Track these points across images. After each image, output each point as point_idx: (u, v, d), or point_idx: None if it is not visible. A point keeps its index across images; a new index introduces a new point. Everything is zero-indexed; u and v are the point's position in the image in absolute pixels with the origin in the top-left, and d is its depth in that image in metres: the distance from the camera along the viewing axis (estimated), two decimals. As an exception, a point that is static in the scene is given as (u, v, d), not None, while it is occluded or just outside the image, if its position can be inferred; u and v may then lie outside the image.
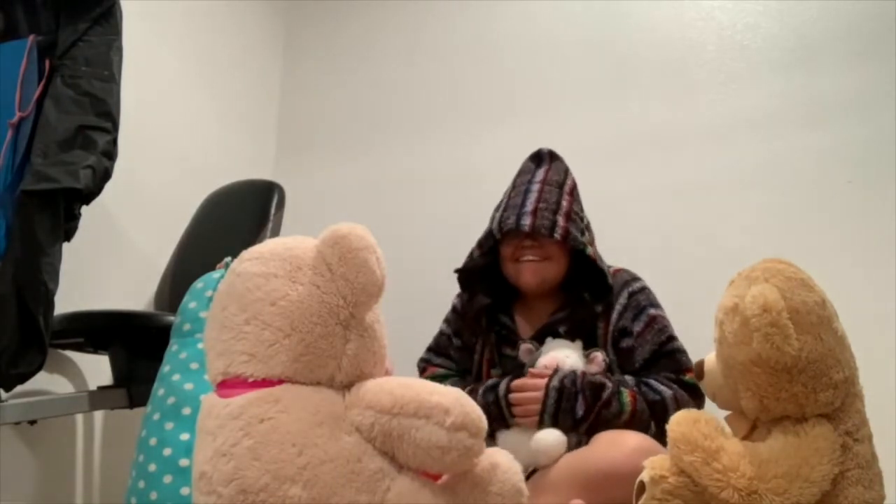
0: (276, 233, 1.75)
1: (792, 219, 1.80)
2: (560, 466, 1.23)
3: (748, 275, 0.99)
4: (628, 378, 1.37)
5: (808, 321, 0.92)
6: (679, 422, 0.95)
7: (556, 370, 1.32)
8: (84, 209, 1.35)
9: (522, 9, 2.30)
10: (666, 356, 1.40)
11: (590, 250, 1.45)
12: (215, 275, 1.38)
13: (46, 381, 1.72)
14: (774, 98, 1.89)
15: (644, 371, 1.40)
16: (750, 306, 0.91)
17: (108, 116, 1.35)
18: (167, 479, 1.19)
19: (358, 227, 0.90)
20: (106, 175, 1.34)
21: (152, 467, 1.20)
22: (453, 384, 1.42)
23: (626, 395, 1.32)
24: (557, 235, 1.41)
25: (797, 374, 0.91)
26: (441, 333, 1.59)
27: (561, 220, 1.43)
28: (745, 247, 1.68)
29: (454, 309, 1.59)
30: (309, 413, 0.83)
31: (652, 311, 1.44)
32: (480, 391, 1.38)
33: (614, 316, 1.44)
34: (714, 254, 1.80)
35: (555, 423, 1.29)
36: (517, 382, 1.35)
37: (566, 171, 1.56)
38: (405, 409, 0.82)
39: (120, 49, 1.42)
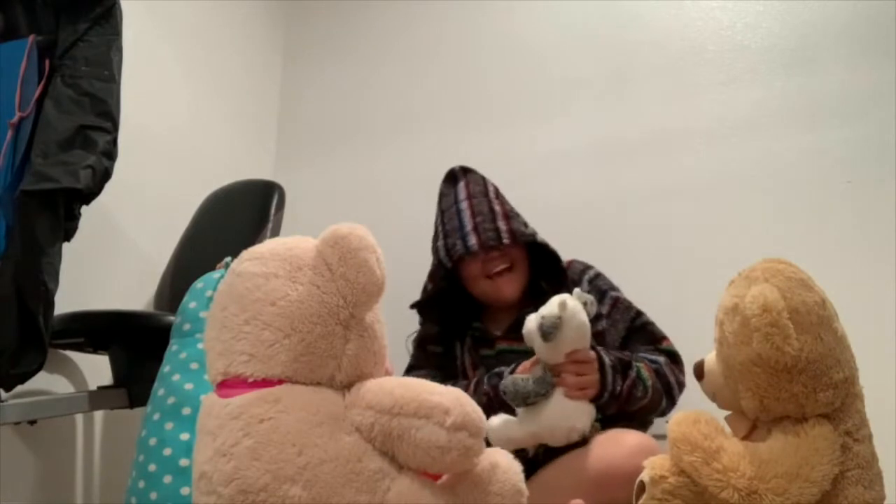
0: (276, 233, 1.75)
1: (792, 219, 1.80)
2: (560, 466, 1.23)
3: (748, 275, 0.99)
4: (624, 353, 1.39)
5: (808, 321, 0.92)
6: (679, 422, 0.94)
7: (597, 355, 1.28)
8: (84, 209, 1.35)
9: (522, 9, 2.30)
10: (639, 331, 1.45)
11: (539, 237, 1.48)
12: (215, 275, 1.38)
13: (46, 381, 1.72)
14: (774, 98, 1.89)
15: (623, 349, 1.42)
16: (750, 306, 0.91)
17: (108, 116, 1.35)
18: (167, 479, 1.19)
19: (358, 228, 0.90)
20: (106, 175, 1.34)
21: (152, 467, 1.20)
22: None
23: (644, 371, 1.35)
24: (506, 239, 1.44)
25: (797, 374, 0.91)
26: (420, 349, 1.59)
27: (502, 225, 1.46)
28: (745, 247, 1.68)
29: (420, 341, 1.61)
30: (309, 413, 0.83)
31: (614, 293, 1.49)
32: (486, 378, 1.40)
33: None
34: (714, 254, 1.80)
35: (611, 399, 1.29)
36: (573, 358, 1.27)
37: (484, 179, 1.58)
38: (405, 409, 0.82)
39: (120, 49, 1.42)
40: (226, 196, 1.98)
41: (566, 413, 1.21)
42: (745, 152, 1.89)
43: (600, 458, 1.18)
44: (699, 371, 1.08)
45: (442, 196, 1.60)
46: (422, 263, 1.63)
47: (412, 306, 1.58)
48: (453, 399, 0.82)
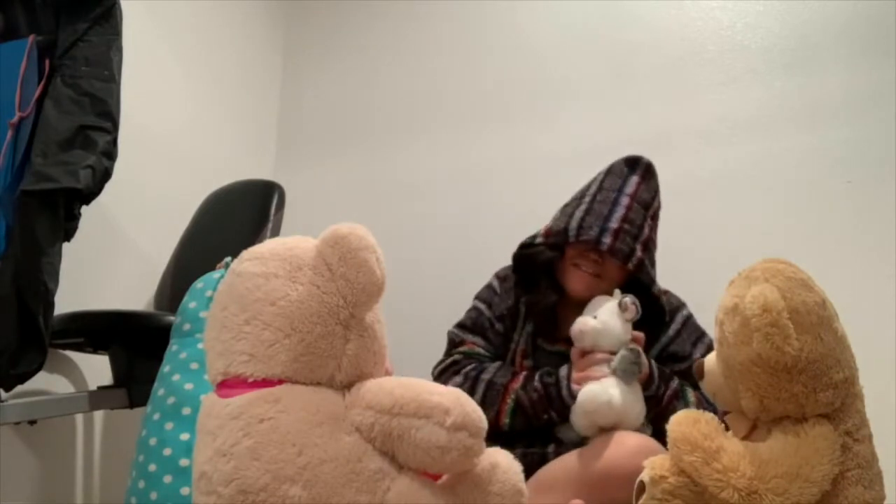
0: (276, 233, 1.75)
1: (792, 219, 1.80)
2: (560, 466, 1.23)
3: (748, 275, 0.99)
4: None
5: (808, 321, 0.92)
6: (679, 422, 0.95)
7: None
8: (84, 209, 1.35)
9: (522, 9, 2.30)
10: None
11: (655, 289, 1.40)
12: (215, 275, 1.38)
13: (46, 381, 1.72)
14: (774, 98, 1.89)
15: None
16: (750, 306, 0.91)
17: (108, 116, 1.35)
18: (167, 479, 1.19)
19: (358, 228, 0.90)
20: (106, 175, 1.34)
21: (152, 467, 1.20)
22: (496, 367, 1.39)
23: (690, 395, 1.33)
24: (631, 265, 1.35)
25: (797, 374, 0.91)
26: (479, 313, 1.49)
27: (639, 250, 1.36)
28: (745, 247, 1.68)
29: (494, 289, 1.51)
30: (309, 413, 0.83)
31: (710, 337, 1.40)
32: (537, 376, 1.35)
33: (664, 339, 1.41)
34: (714, 254, 1.80)
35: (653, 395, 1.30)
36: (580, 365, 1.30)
37: (656, 192, 1.47)
38: (405, 409, 0.82)
39: (120, 49, 1.42)
40: (226, 196, 1.98)
41: (639, 396, 1.27)
42: (745, 152, 1.89)
43: (600, 458, 1.18)
44: (699, 371, 1.08)
45: (611, 172, 1.47)
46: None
47: (521, 246, 1.48)
48: (453, 399, 0.82)
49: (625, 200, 1.40)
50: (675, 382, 1.33)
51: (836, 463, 0.89)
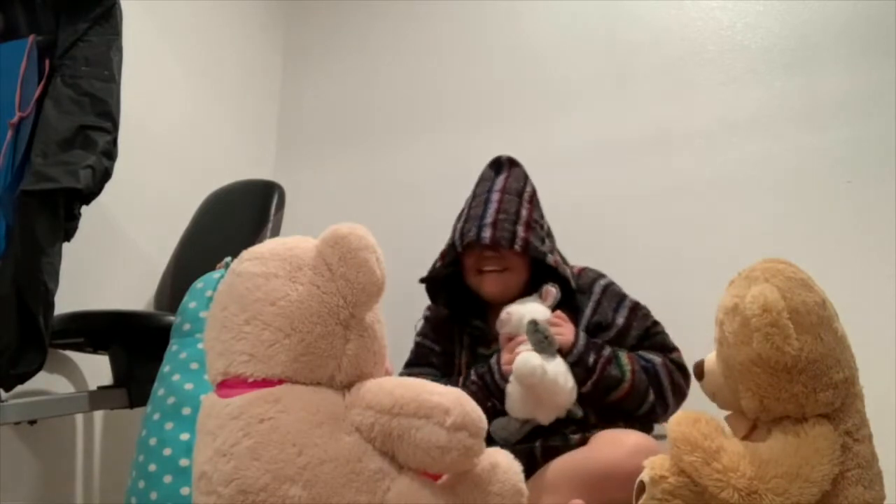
0: (276, 233, 1.75)
1: (792, 218, 1.80)
2: (560, 466, 1.23)
3: (748, 275, 0.99)
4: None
5: (808, 321, 0.92)
6: (679, 422, 0.94)
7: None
8: (84, 209, 1.35)
9: (522, 9, 2.30)
10: (650, 338, 1.44)
11: (550, 259, 1.46)
12: (215, 275, 1.38)
13: (46, 381, 1.72)
14: (774, 98, 1.89)
15: None
16: (750, 306, 0.91)
17: (108, 116, 1.35)
18: (167, 479, 1.19)
19: (358, 228, 0.90)
20: (106, 175, 1.34)
21: (152, 467, 1.20)
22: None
23: (624, 357, 1.35)
24: (518, 247, 1.42)
25: (797, 374, 0.91)
26: (419, 346, 1.59)
27: (521, 231, 1.44)
28: (745, 247, 1.68)
29: (427, 319, 1.61)
30: (309, 413, 0.83)
31: (631, 300, 1.48)
32: (473, 370, 1.41)
33: (587, 311, 1.46)
34: (714, 254, 1.80)
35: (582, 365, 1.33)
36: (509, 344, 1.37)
37: (525, 178, 1.57)
38: (405, 409, 0.82)
39: (120, 49, 1.42)
40: (226, 196, 1.98)
41: (566, 370, 1.30)
42: (745, 152, 1.89)
43: (600, 458, 1.18)
44: (699, 371, 1.08)
45: (480, 180, 1.59)
46: (422, 263, 1.62)
47: (421, 280, 1.57)
48: (453, 399, 0.82)
49: (495, 196, 1.49)
50: (606, 350, 1.35)
51: (836, 463, 0.89)
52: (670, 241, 1.91)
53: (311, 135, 2.59)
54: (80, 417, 1.82)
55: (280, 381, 0.85)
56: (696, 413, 0.96)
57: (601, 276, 1.53)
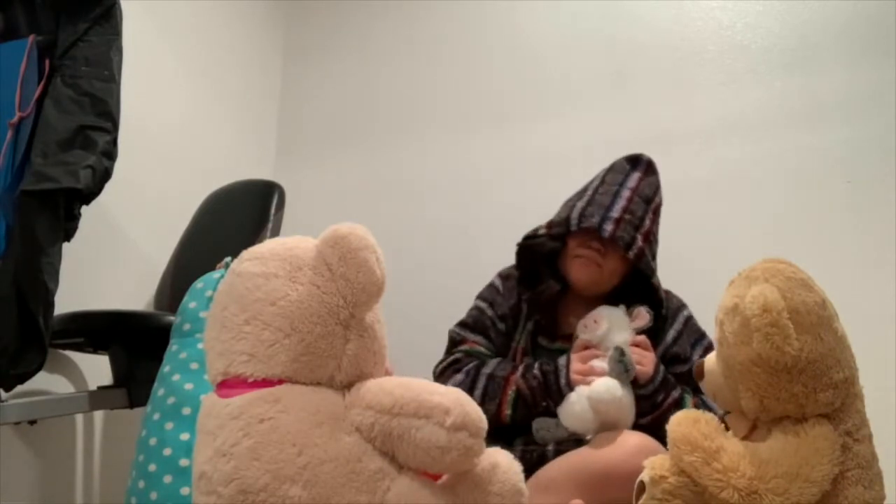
0: (276, 233, 1.75)
1: (792, 219, 1.80)
2: (560, 466, 1.23)
3: (748, 275, 0.99)
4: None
5: (808, 321, 0.92)
6: (679, 422, 0.95)
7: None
8: (84, 209, 1.35)
9: (522, 9, 2.30)
10: None
11: (656, 280, 1.41)
12: (215, 275, 1.38)
13: (46, 381, 1.72)
14: (774, 98, 1.89)
15: None
16: (750, 306, 0.91)
17: (108, 116, 1.35)
18: (167, 479, 1.19)
19: (358, 227, 0.90)
20: (106, 175, 1.34)
21: (152, 467, 1.20)
22: (496, 362, 1.39)
23: (689, 402, 1.33)
24: (632, 254, 1.36)
25: (797, 374, 0.91)
26: (481, 312, 1.50)
27: (640, 240, 1.38)
28: (745, 247, 1.68)
29: (496, 289, 1.52)
30: (309, 413, 0.83)
31: (709, 339, 1.41)
32: (537, 364, 1.36)
33: (668, 338, 1.41)
34: (714, 254, 1.80)
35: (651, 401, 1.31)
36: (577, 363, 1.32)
37: (658, 188, 1.49)
38: (405, 409, 0.82)
39: (120, 49, 1.42)
40: (226, 196, 1.98)
41: (632, 399, 1.28)
42: (745, 152, 1.89)
43: (600, 458, 1.18)
44: (699, 371, 1.08)
45: (613, 169, 1.50)
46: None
47: (519, 244, 1.49)
48: (453, 399, 0.82)
49: (626, 193, 1.42)
50: (676, 392, 1.33)
51: (836, 463, 0.89)
52: (670, 240, 1.90)
53: (311, 135, 2.59)
54: (80, 417, 1.82)
55: (280, 381, 0.85)
56: (697, 413, 0.96)
57: (684, 305, 1.48)
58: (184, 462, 1.18)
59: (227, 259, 1.32)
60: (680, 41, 2.04)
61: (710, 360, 1.06)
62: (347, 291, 0.87)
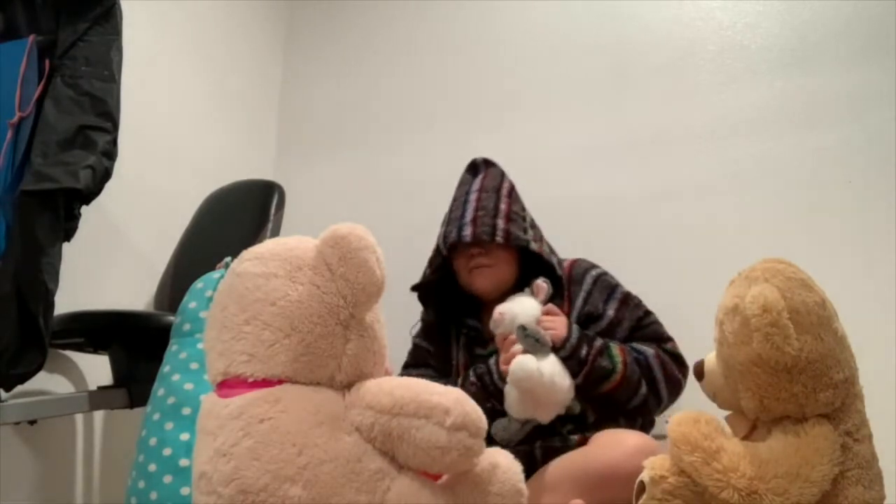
0: (276, 233, 1.75)
1: (792, 219, 1.80)
2: (560, 466, 1.23)
3: (748, 275, 0.99)
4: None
5: (808, 321, 0.92)
6: (679, 422, 0.94)
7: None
8: (84, 209, 1.35)
9: (522, 9, 2.30)
10: (644, 329, 1.44)
11: (534, 245, 1.48)
12: (215, 275, 1.38)
13: (46, 381, 1.72)
14: (774, 98, 1.89)
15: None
16: (750, 306, 0.91)
17: (108, 116, 1.35)
18: (167, 479, 1.19)
19: (358, 228, 0.90)
20: (106, 175, 1.34)
21: (152, 467, 1.20)
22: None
23: (615, 349, 1.35)
24: (499, 238, 1.44)
25: (797, 374, 0.91)
26: (417, 347, 1.61)
27: (501, 223, 1.46)
28: (744, 247, 1.68)
29: (423, 322, 1.62)
30: (309, 413, 0.83)
31: (622, 290, 1.48)
32: (471, 371, 1.42)
33: (579, 301, 1.46)
34: (713, 254, 1.80)
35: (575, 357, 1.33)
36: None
37: (502, 175, 1.59)
38: (405, 409, 0.82)
39: (120, 49, 1.42)
40: (226, 196, 1.98)
41: (562, 369, 1.31)
42: (745, 152, 1.89)
43: (600, 458, 1.18)
44: (699, 371, 1.08)
45: (459, 184, 1.62)
46: (422, 263, 1.63)
47: (413, 288, 1.59)
48: (453, 399, 0.82)
49: (473, 197, 1.52)
50: (598, 342, 1.36)
51: (836, 463, 0.89)
52: (670, 240, 1.91)
53: (311, 135, 2.59)
54: (80, 417, 1.82)
55: (280, 381, 0.85)
56: (696, 413, 0.96)
57: (593, 266, 1.53)
58: (184, 462, 1.18)
59: (227, 259, 1.32)
60: (680, 41, 2.03)
61: (710, 360, 1.06)
62: (347, 291, 0.88)
